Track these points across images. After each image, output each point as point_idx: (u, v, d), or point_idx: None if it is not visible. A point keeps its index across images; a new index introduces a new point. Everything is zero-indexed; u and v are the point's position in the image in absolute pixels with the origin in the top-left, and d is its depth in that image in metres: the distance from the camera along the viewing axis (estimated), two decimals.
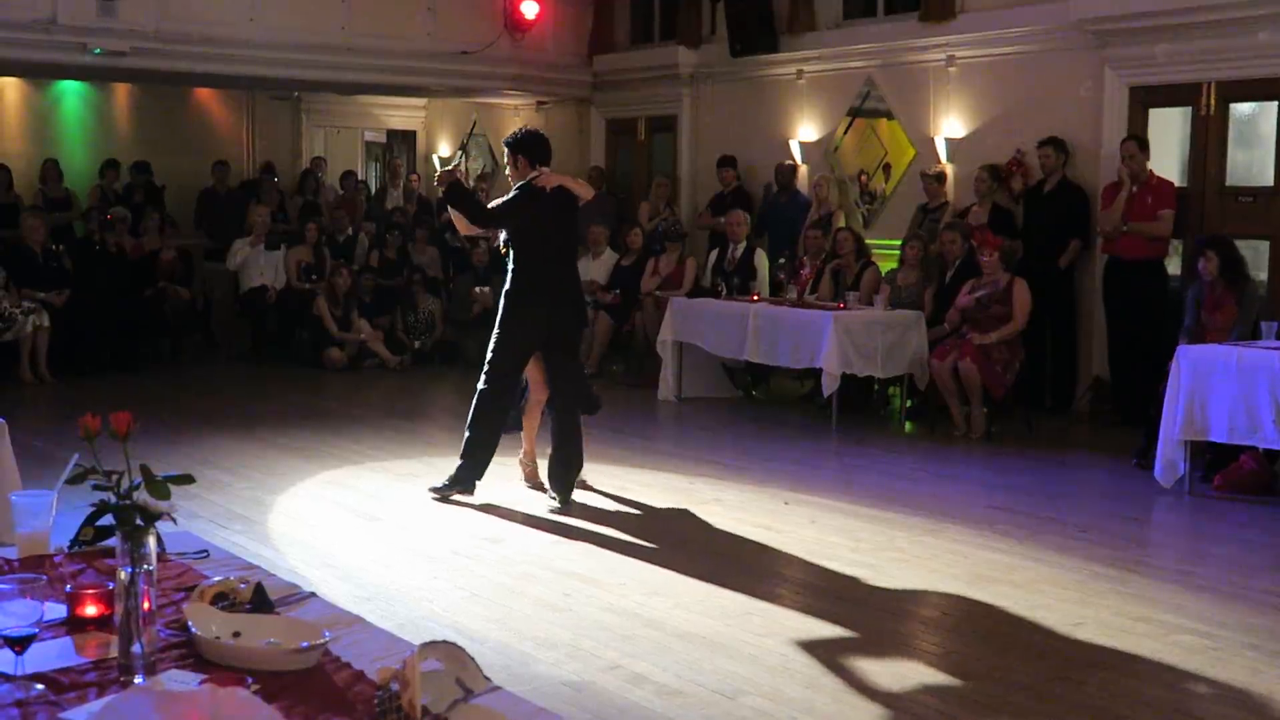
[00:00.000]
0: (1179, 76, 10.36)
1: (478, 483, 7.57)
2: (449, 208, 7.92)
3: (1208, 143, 10.27)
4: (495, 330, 7.57)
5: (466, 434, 7.56)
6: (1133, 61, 10.56)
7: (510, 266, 7.54)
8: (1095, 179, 10.72)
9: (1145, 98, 10.64)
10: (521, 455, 7.99)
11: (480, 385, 7.54)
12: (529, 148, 7.60)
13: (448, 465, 7.76)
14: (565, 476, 7.57)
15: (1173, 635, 5.36)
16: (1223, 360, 7.69)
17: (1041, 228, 10.75)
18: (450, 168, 7.76)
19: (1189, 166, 10.48)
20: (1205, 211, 10.27)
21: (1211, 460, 8.24)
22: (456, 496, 7.50)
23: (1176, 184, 10.27)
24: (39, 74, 15.62)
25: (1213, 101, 10.18)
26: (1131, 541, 7.07)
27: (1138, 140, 10.12)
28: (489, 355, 7.57)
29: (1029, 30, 11.27)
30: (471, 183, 13.64)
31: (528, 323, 7.50)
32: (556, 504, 7.47)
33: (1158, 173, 10.15)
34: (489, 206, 7.79)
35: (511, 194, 7.57)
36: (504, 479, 7.82)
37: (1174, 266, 10.46)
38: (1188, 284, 9.52)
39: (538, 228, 7.50)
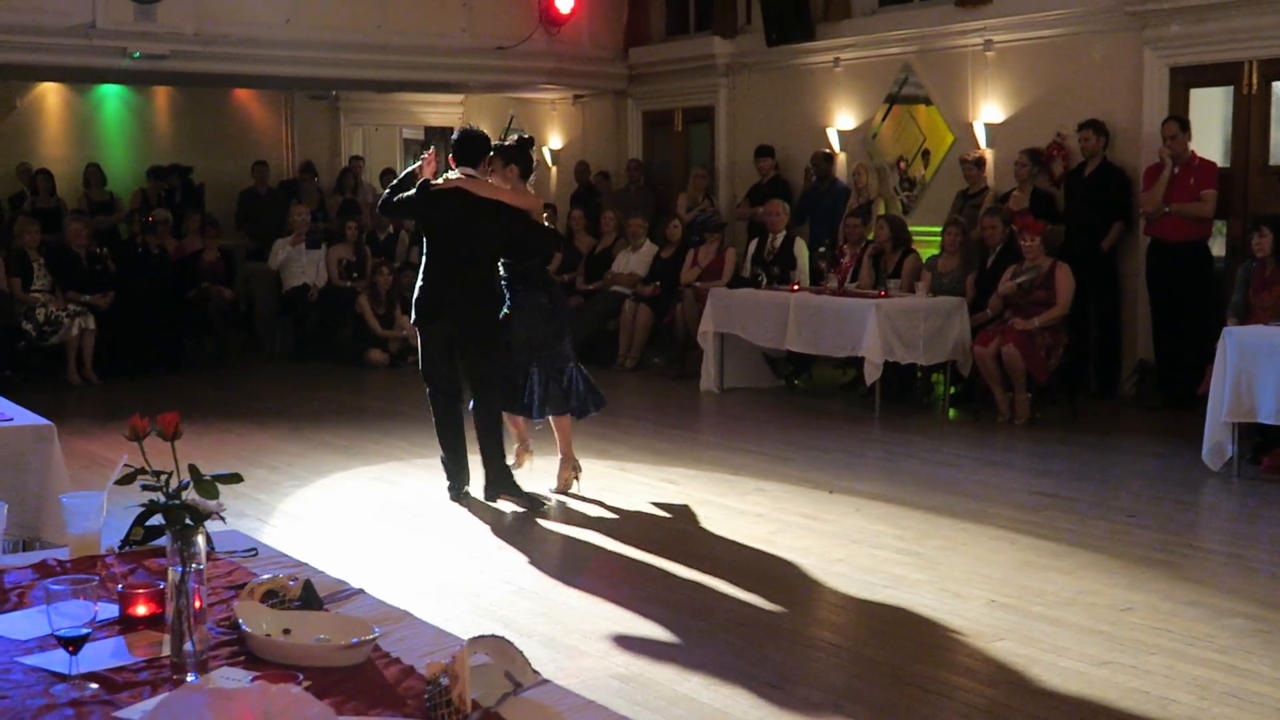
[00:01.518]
0: (1220, 56, 10.25)
1: (467, 488, 7.51)
2: None
3: (1250, 122, 10.17)
4: None
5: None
6: (1173, 41, 10.46)
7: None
8: (1136, 161, 10.64)
9: (1186, 78, 10.54)
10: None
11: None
12: (454, 145, 7.44)
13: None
14: (489, 474, 7.42)
15: (1223, 619, 5.32)
16: (1269, 341, 7.63)
17: (1083, 211, 10.67)
18: (427, 154, 7.42)
19: (1231, 146, 10.38)
20: (1248, 191, 10.17)
21: (1260, 442, 8.17)
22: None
23: (1219, 164, 10.18)
24: (80, 79, 15.77)
25: (1255, 80, 10.07)
26: (1180, 525, 7.02)
27: (1179, 121, 10.02)
28: None
29: (1067, 13, 11.18)
30: None
31: (425, 330, 7.42)
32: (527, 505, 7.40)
33: (1200, 153, 10.05)
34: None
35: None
36: (546, 473, 7.82)
37: (1218, 247, 10.36)
38: (1237, 262, 9.45)
39: (430, 228, 7.36)
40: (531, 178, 7.55)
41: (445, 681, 2.19)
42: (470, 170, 7.30)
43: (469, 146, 7.36)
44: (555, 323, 7.45)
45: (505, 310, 7.41)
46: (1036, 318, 9.62)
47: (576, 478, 7.67)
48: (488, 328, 7.36)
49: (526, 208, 7.34)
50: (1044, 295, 9.71)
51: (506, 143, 7.53)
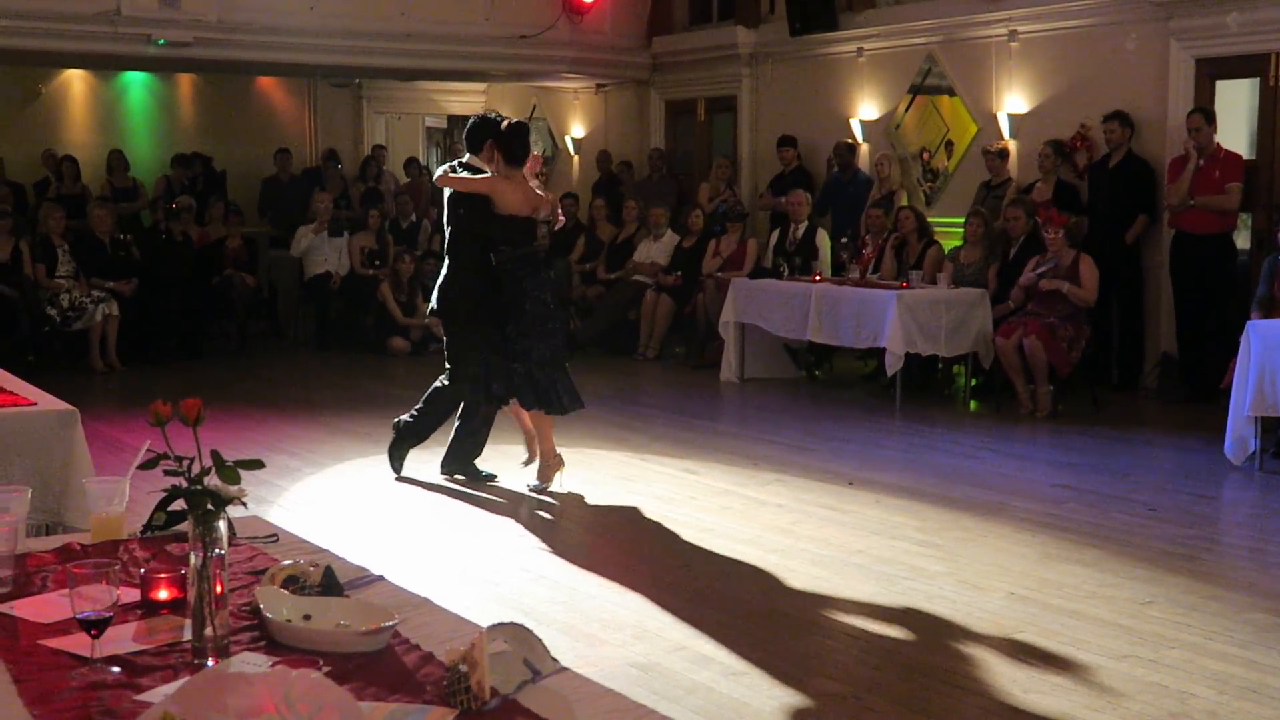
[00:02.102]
0: (1247, 47, 10.19)
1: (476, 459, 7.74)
2: None
3: (1276, 114, 10.10)
4: None
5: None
6: (1199, 33, 10.40)
7: None
8: (1161, 153, 10.57)
9: (1212, 69, 10.48)
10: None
11: None
12: (464, 133, 7.73)
13: (507, 449, 7.81)
14: (404, 428, 7.74)
15: (1244, 613, 5.30)
16: None
17: (1107, 203, 10.62)
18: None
19: (1257, 138, 10.32)
20: (1274, 184, 10.11)
21: None
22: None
23: (1245, 156, 10.12)
24: (104, 66, 15.83)
25: None
26: (1201, 519, 6.99)
27: (1204, 112, 9.96)
28: None
29: (1092, 3, 11.12)
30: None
31: None
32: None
33: (1225, 145, 9.99)
34: None
35: None
36: (569, 463, 7.83)
37: (1242, 240, 10.31)
38: (1261, 255, 9.40)
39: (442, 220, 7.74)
40: (525, 162, 7.30)
41: (464, 668, 2.20)
42: (476, 157, 7.43)
43: (472, 133, 7.56)
44: (561, 311, 7.47)
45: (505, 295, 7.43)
46: (1064, 285, 9.56)
47: (560, 469, 7.51)
48: (447, 308, 7.49)
49: (478, 191, 7.23)
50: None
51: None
